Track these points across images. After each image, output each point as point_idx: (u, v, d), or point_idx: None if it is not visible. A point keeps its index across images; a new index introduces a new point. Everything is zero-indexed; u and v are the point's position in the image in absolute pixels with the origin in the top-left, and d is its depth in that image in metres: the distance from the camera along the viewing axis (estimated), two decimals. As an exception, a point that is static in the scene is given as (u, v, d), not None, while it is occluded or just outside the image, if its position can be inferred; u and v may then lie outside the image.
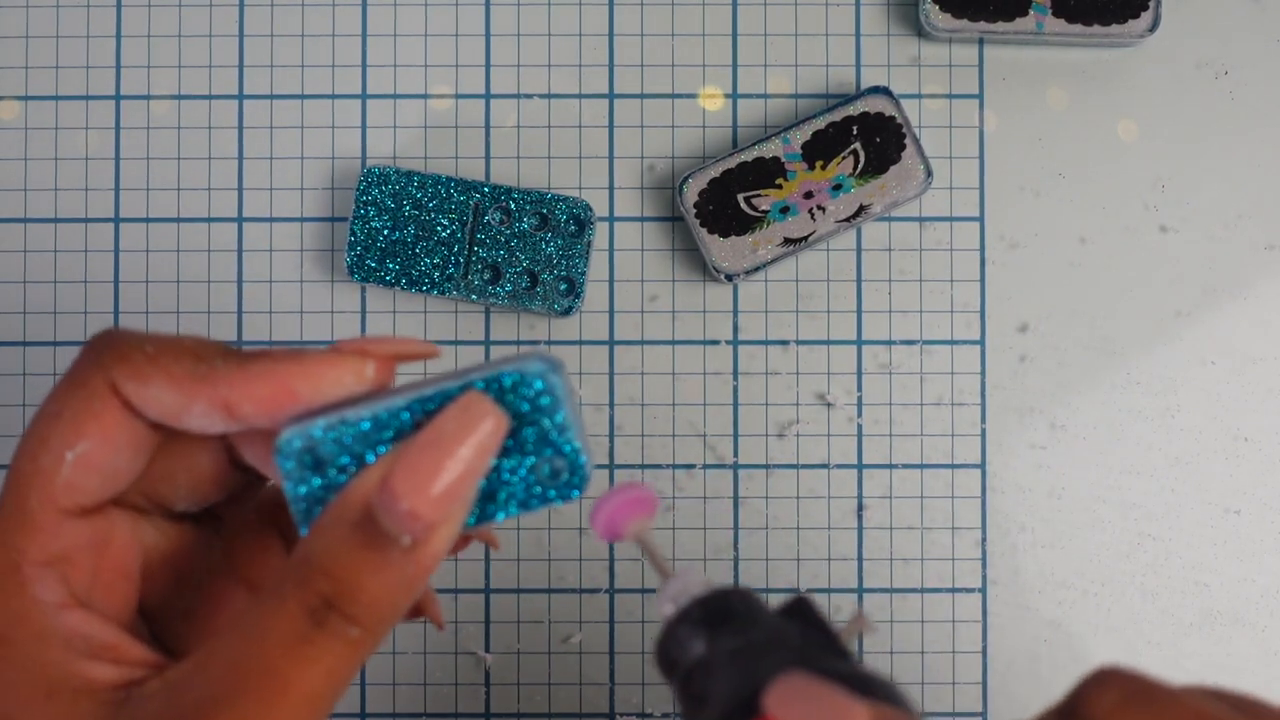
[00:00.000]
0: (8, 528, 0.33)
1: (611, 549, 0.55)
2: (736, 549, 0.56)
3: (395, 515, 0.31)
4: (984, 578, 0.56)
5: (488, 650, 0.55)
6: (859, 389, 0.56)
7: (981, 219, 0.56)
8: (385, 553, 0.32)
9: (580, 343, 0.56)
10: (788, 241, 0.54)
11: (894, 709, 0.31)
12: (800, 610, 0.34)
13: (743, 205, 0.54)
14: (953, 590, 0.55)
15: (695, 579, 0.35)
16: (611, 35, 0.57)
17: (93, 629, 0.33)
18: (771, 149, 0.54)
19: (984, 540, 0.56)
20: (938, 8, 0.54)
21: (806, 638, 0.33)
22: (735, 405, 0.56)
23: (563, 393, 0.33)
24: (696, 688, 0.33)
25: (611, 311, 0.56)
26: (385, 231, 0.54)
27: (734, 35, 0.56)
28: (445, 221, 0.54)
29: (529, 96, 0.56)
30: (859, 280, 0.56)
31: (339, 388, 0.33)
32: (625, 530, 0.36)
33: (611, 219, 0.56)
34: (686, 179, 0.54)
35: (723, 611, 0.34)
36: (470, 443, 0.32)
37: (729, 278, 0.54)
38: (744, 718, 0.31)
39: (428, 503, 0.32)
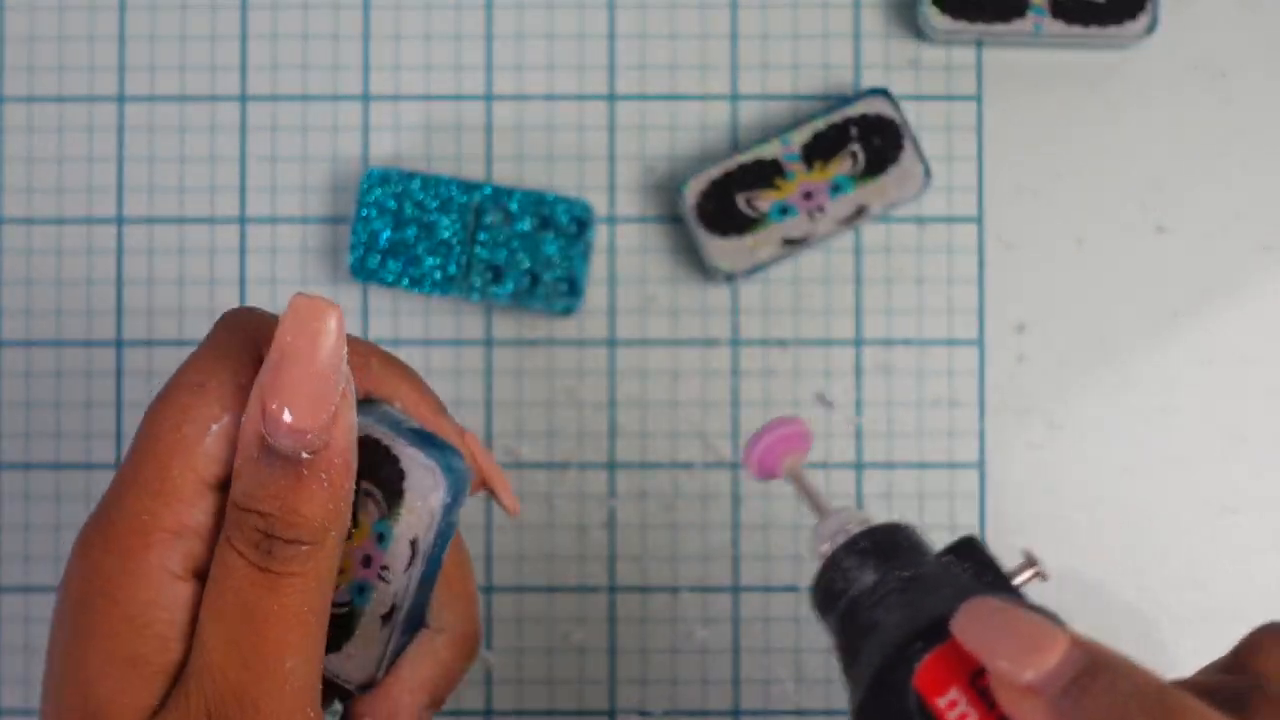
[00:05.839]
0: (146, 493, 0.33)
1: (611, 547, 0.56)
2: (736, 548, 0.56)
3: (285, 435, 0.33)
4: (982, 576, 0.56)
5: (489, 648, 0.56)
6: (858, 389, 0.56)
7: (980, 219, 0.56)
8: (295, 470, 0.33)
9: (580, 343, 0.56)
10: (787, 242, 0.54)
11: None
12: (968, 549, 0.33)
13: (742, 206, 0.54)
14: (951, 589, 0.56)
15: (854, 516, 0.34)
16: (612, 36, 0.57)
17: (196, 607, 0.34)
18: (771, 150, 0.55)
19: (982, 540, 0.56)
20: (936, 9, 0.55)
21: (978, 575, 0.32)
22: (735, 405, 0.56)
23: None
24: (864, 617, 0.32)
25: (611, 311, 0.56)
26: (387, 232, 0.55)
27: (734, 36, 0.57)
28: (447, 222, 0.55)
29: (530, 98, 0.57)
30: (858, 280, 0.56)
31: None
32: (780, 467, 0.35)
33: (612, 219, 0.56)
34: (687, 180, 0.54)
35: (891, 544, 0.33)
36: (318, 345, 0.33)
37: (729, 278, 0.55)
38: (927, 644, 0.30)
39: (306, 412, 0.33)
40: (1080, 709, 0.28)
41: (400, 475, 0.36)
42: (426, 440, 0.36)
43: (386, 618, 0.36)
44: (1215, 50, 0.56)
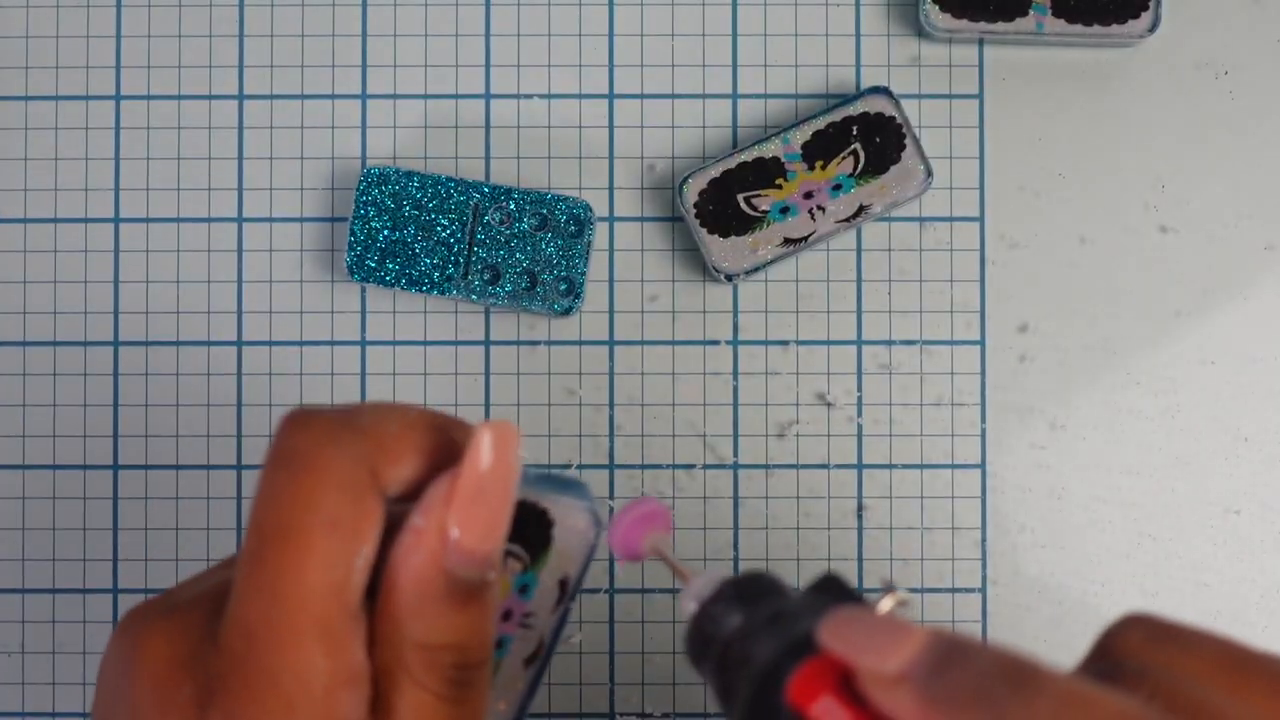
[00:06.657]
0: (315, 650, 0.32)
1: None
2: (736, 549, 0.56)
3: (473, 565, 0.33)
4: (984, 578, 0.56)
5: (488, 650, 0.55)
6: (859, 389, 0.56)
7: (981, 219, 0.56)
8: (480, 597, 0.34)
9: (580, 343, 0.56)
10: (788, 241, 0.54)
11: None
12: (830, 586, 0.35)
13: (743, 205, 0.54)
14: (952, 590, 0.55)
15: (717, 574, 0.36)
16: (611, 35, 0.57)
17: None
18: (771, 149, 0.54)
19: (984, 540, 0.56)
20: (938, 8, 0.54)
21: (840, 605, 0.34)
22: (735, 405, 0.56)
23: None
24: (737, 653, 0.33)
25: (611, 311, 0.56)
26: (385, 231, 0.54)
27: (734, 35, 0.56)
28: (445, 222, 0.54)
29: (529, 97, 0.56)
30: (859, 280, 0.56)
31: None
32: (642, 547, 0.37)
33: (611, 219, 0.56)
34: (686, 179, 0.54)
35: (755, 589, 0.35)
36: (509, 475, 0.34)
37: (729, 278, 0.54)
38: (796, 660, 0.31)
39: (493, 538, 0.34)
40: (945, 685, 0.29)
41: (548, 524, 0.37)
42: (560, 483, 0.37)
43: (530, 659, 0.37)
44: (1218, 49, 0.56)
